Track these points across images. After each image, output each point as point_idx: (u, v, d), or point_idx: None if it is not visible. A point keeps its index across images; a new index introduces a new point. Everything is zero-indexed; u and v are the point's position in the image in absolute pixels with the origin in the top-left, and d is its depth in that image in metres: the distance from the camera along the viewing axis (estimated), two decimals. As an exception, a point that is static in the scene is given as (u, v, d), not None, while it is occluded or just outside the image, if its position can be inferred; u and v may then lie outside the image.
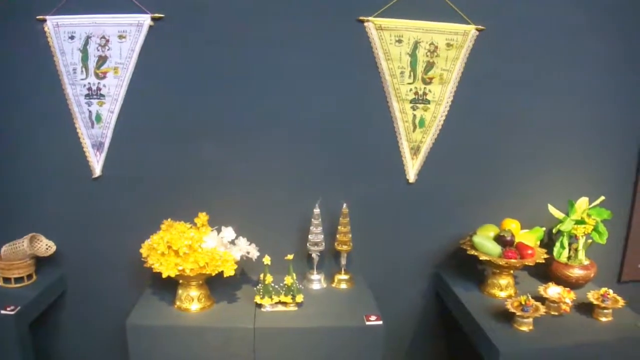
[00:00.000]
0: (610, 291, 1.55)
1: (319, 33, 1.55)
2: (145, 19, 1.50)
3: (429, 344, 1.94)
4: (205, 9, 1.51)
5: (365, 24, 1.55)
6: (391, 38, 1.57)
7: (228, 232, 1.45)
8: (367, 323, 1.41)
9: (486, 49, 1.64)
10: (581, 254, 1.73)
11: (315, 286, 1.64)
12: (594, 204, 1.75)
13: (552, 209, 1.74)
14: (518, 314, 1.42)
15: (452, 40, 1.61)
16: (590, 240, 1.74)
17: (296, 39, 1.55)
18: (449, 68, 1.63)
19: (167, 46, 1.53)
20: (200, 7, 1.51)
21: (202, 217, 1.49)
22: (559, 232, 1.74)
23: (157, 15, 1.51)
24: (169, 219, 1.49)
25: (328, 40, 1.55)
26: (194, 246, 1.30)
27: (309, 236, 1.63)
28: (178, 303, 1.43)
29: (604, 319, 1.52)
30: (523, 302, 1.45)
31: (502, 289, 1.63)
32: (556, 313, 1.52)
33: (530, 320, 1.43)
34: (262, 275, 1.48)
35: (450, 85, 1.65)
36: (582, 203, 1.75)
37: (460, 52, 1.63)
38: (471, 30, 1.61)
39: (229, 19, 1.53)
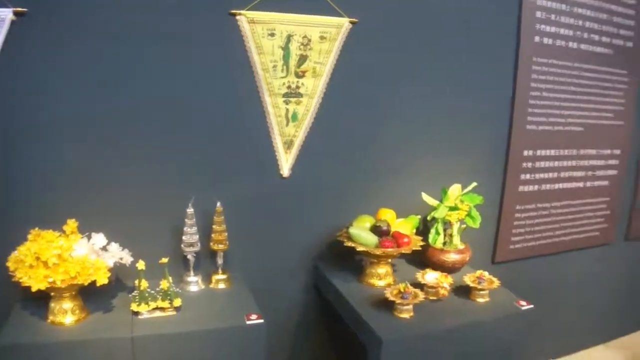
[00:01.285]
0: (486, 273, 2.09)
1: (189, 27, 1.86)
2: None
3: (312, 337, 2.40)
4: None
5: (237, 17, 1.92)
6: (264, 31, 1.96)
7: (99, 239, 1.71)
8: (248, 322, 1.70)
9: (360, 42, 2.12)
10: (456, 239, 2.31)
11: (193, 288, 1.97)
12: (466, 190, 2.33)
13: (426, 197, 2.31)
14: (398, 301, 1.83)
15: (326, 33, 2.06)
16: (464, 226, 2.32)
17: (164, 33, 1.83)
18: (322, 61, 2.09)
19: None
20: None
21: (71, 224, 1.71)
22: (434, 219, 2.30)
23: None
24: (36, 228, 1.69)
25: (198, 34, 1.87)
26: (63, 255, 1.55)
27: (183, 237, 1.94)
28: (51, 317, 1.65)
29: (481, 300, 2.03)
30: (402, 290, 1.86)
31: (381, 278, 2.11)
32: (435, 298, 1.99)
33: (410, 307, 1.85)
34: (137, 282, 1.76)
35: (323, 78, 2.10)
36: (455, 190, 2.33)
37: (334, 45, 2.09)
38: (345, 23, 2.08)
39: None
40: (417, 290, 1.90)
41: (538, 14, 2.57)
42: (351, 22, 2.08)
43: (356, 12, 2.08)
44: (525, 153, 2.69)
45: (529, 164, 2.72)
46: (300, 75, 2.07)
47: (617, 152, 3.11)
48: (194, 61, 1.90)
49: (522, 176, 2.71)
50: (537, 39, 2.59)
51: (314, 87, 2.10)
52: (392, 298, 1.84)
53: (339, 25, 2.07)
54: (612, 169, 3.12)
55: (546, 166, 2.79)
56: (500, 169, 2.65)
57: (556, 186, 2.88)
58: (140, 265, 1.74)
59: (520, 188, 2.73)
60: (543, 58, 2.63)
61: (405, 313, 1.85)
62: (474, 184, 2.35)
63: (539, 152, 2.74)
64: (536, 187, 2.79)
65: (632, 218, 3.41)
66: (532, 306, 2.02)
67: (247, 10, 1.92)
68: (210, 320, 1.76)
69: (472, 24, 2.37)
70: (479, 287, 2.02)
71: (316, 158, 2.17)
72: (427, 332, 1.81)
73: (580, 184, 2.99)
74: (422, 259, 2.32)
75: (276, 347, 2.32)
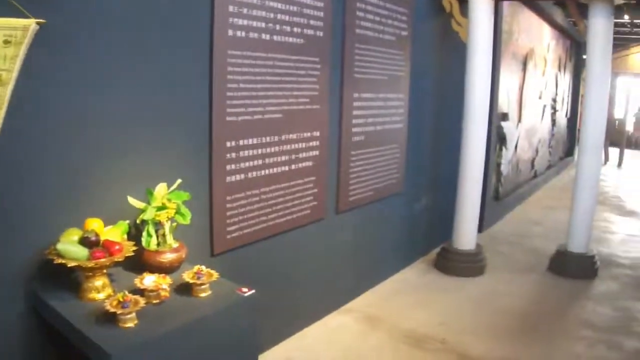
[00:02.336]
0: (203, 267, 2.57)
1: None
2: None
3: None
4: None
5: None
6: None
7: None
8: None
9: (44, 44, 2.45)
10: (169, 238, 2.79)
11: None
12: (172, 188, 2.83)
13: (132, 200, 2.74)
14: (119, 312, 2.07)
15: (11, 37, 2.35)
16: (175, 224, 2.84)
17: None
18: (9, 67, 2.38)
19: None
20: None
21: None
22: (144, 221, 2.77)
23: None
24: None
25: None
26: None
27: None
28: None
29: (203, 295, 2.42)
30: (121, 299, 2.12)
31: (99, 290, 2.41)
32: (157, 301, 2.31)
33: (133, 314, 2.11)
34: None
35: (10, 86, 2.40)
36: (161, 189, 2.82)
37: (20, 49, 2.39)
38: (31, 24, 2.39)
39: None
40: (137, 297, 2.19)
41: (231, 8, 3.23)
42: (39, 24, 2.38)
43: (44, 12, 2.37)
44: (228, 144, 3.35)
45: (233, 155, 3.40)
46: (-16, 85, 2.32)
47: (317, 133, 4.03)
48: None
49: (228, 167, 3.38)
50: (230, 32, 3.25)
51: (1, 97, 2.37)
52: (112, 309, 2.10)
53: (26, 28, 2.34)
54: (314, 150, 4.03)
55: (250, 155, 3.52)
56: (206, 163, 3.26)
57: (263, 172, 3.64)
58: None
59: (228, 179, 3.39)
60: (237, 51, 3.31)
61: (129, 322, 2.14)
62: (179, 181, 2.87)
63: (241, 142, 3.44)
64: (243, 175, 3.49)
65: (339, 193, 4.45)
66: (253, 291, 2.56)
67: None
68: None
69: (168, 21, 2.93)
70: (199, 282, 2.44)
71: (10, 172, 2.44)
72: (154, 336, 2.13)
73: (286, 168, 3.81)
74: (140, 263, 2.73)
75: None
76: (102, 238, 2.50)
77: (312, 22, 3.84)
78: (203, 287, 2.50)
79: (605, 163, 16.04)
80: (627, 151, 16.98)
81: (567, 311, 5.13)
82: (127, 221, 2.73)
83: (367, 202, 4.90)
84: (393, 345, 4.22)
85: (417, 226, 6.01)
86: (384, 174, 5.10)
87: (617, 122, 18.42)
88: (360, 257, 4.97)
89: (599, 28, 5.64)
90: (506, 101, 8.24)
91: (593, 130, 5.79)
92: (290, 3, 3.64)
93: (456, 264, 5.85)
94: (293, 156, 3.86)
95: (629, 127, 20.46)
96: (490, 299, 5.26)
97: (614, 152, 16.43)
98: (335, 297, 4.69)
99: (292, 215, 3.95)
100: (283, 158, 3.78)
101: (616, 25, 18.59)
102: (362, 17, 4.47)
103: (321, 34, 3.94)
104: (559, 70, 12.31)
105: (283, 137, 3.74)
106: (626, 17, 16.06)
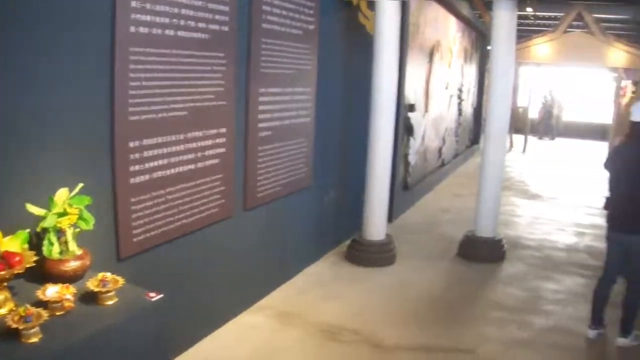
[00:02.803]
0: (108, 274, 2.55)
1: None
2: None
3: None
4: None
5: None
6: None
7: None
8: None
9: None
10: (72, 246, 2.72)
11: None
12: (73, 193, 2.77)
13: (31, 208, 2.66)
14: (21, 327, 2.04)
15: None
16: (78, 230, 2.78)
17: None
18: None
19: None
20: None
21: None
22: (44, 229, 2.70)
23: None
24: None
25: None
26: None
27: None
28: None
29: (109, 303, 2.43)
30: (23, 314, 2.07)
31: (1, 306, 2.30)
32: (62, 312, 2.28)
33: (37, 329, 2.08)
34: None
35: None
36: (61, 195, 2.75)
37: None
38: None
39: None
40: (40, 310, 2.15)
41: (133, 3, 3.18)
42: None
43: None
44: (132, 144, 3.31)
45: (137, 155, 3.35)
46: None
47: (223, 130, 4.04)
48: None
49: (132, 168, 3.33)
50: (133, 29, 3.20)
51: None
52: (14, 325, 2.06)
53: None
54: (220, 147, 4.03)
55: (155, 154, 3.48)
56: (108, 164, 3.21)
57: (168, 172, 3.61)
58: None
59: (132, 180, 3.34)
60: (140, 47, 3.26)
61: (33, 337, 2.09)
62: (80, 185, 2.81)
63: (145, 142, 3.39)
64: (148, 176, 3.45)
65: (247, 190, 4.47)
66: (161, 295, 2.56)
67: None
68: None
69: (67, 17, 2.86)
70: (104, 290, 2.43)
71: None
72: (59, 349, 2.11)
73: (192, 166, 3.80)
74: (43, 274, 2.64)
75: None
76: (1, 249, 2.42)
77: (217, 17, 3.84)
78: (109, 294, 2.47)
79: (510, 150, 16.79)
80: (530, 138, 17.87)
81: (478, 294, 5.40)
82: (27, 230, 2.63)
83: (276, 197, 4.96)
84: (308, 340, 4.32)
85: (327, 219, 6.13)
86: (292, 169, 5.17)
87: (521, 110, 19.28)
88: (271, 253, 5.03)
89: (503, 20, 5.96)
90: (413, 92, 8.49)
91: (497, 118, 6.11)
92: (194, -2, 3.62)
93: (367, 255, 6.02)
94: (199, 154, 3.85)
95: (534, 115, 21.60)
96: (402, 288, 5.45)
97: (518, 139, 17.22)
98: (247, 294, 4.74)
99: (200, 214, 3.95)
100: (189, 156, 3.76)
101: (520, 17, 19.43)
102: (269, 11, 4.50)
103: (227, 28, 3.95)
104: (465, 61, 12.77)
105: (189, 135, 3.73)
106: (529, 9, 16.85)
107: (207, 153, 3.91)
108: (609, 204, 4.43)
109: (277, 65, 4.69)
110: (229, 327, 4.42)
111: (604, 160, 4.57)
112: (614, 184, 4.39)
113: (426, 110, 9.41)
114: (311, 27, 5.16)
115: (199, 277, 4.05)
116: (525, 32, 17.65)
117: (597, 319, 4.57)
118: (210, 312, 4.23)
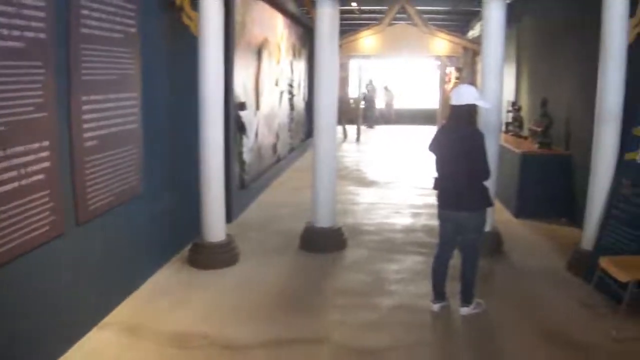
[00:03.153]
0: None
1: None
2: None
3: None
4: None
5: None
6: None
7: None
8: None
9: None
10: None
11: None
12: None
13: None
14: None
15: None
16: None
17: None
18: None
19: None
20: None
21: None
22: None
23: None
24: None
25: None
26: None
27: None
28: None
29: None
30: None
31: None
32: None
33: None
34: None
35: None
36: None
37: None
38: None
39: None
40: None
41: None
42: None
43: None
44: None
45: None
46: None
47: (46, 143, 3.88)
48: None
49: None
50: None
51: None
52: None
53: None
54: (45, 162, 3.88)
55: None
56: None
57: (-11, 193, 3.42)
58: None
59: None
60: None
61: None
62: None
63: (-44, 162, 3.20)
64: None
65: (78, 203, 4.33)
66: None
67: None
68: None
69: None
70: None
71: None
72: None
73: (16, 184, 3.61)
74: None
75: None
76: None
77: (33, 23, 3.68)
78: None
79: (344, 140, 17.49)
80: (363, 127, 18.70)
81: (323, 284, 5.65)
82: None
83: (110, 208, 4.86)
84: (158, 351, 4.30)
85: (165, 225, 6.09)
86: (123, 177, 5.08)
87: (352, 101, 20.10)
88: (112, 266, 4.92)
89: (326, 15, 6.23)
90: (243, 90, 8.61)
91: (325, 110, 6.40)
92: (6, 4, 3.44)
93: (209, 257, 6.07)
94: (22, 171, 3.66)
95: (379, 105, 22.74)
96: (248, 286, 5.58)
97: (352, 129, 17.96)
98: (92, 312, 4.61)
99: (27, 235, 3.74)
100: (12, 174, 3.57)
101: (346, 12, 20.33)
102: (87, 15, 4.39)
103: (44, 35, 3.80)
104: (294, 57, 13.11)
105: (9, 152, 3.54)
106: (354, 4, 17.63)
107: (31, 169, 3.73)
108: (437, 184, 4.82)
109: (99, 71, 4.59)
110: (76, 350, 4.25)
111: (428, 143, 4.93)
112: (439, 165, 4.80)
113: (257, 108, 9.58)
114: (132, 30, 5.09)
115: (32, 303, 3.84)
116: (352, 26, 18.49)
117: (439, 293, 4.97)
118: (52, 337, 4.05)
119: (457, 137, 4.63)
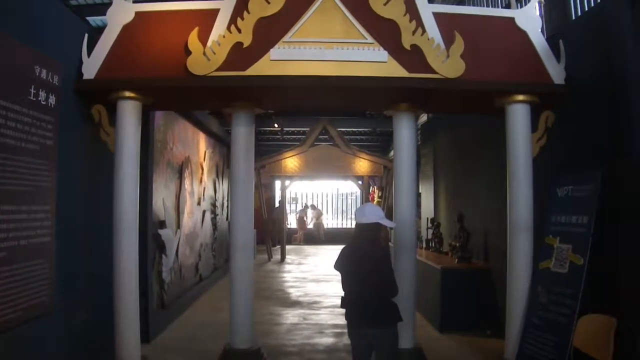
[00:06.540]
0: None
1: None
2: None
3: None
4: None
5: None
6: None
7: None
8: None
9: None
10: None
11: None
12: None
13: None
14: None
15: None
16: None
17: None
18: None
19: None
20: None
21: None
22: None
23: None
24: None
25: None
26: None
27: None
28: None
29: None
30: None
31: None
32: None
33: None
34: None
35: None
36: None
37: None
38: None
39: None
40: None
41: None
42: None
43: None
44: None
45: None
46: None
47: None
48: None
49: None
50: None
51: None
52: None
53: None
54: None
55: None
56: None
57: None
58: None
59: None
60: None
61: None
62: None
63: None
64: None
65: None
66: None
67: None
68: None
69: None
70: None
71: None
72: None
73: None
74: None
75: None
76: None
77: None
78: None
79: (269, 260, 17.48)
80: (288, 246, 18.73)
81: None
82: None
83: (16, 324, 4.65)
84: None
85: (78, 345, 5.82)
86: (32, 292, 4.92)
87: (276, 220, 20.21)
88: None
89: (241, 135, 6.40)
90: (163, 209, 8.63)
91: (241, 229, 6.44)
92: None
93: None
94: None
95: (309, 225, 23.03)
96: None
97: (276, 249, 17.98)
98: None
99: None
100: None
101: (270, 132, 20.93)
102: (3, 124, 4.43)
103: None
104: (217, 176, 13.28)
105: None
106: (276, 125, 18.22)
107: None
108: (345, 302, 4.83)
109: (12, 181, 4.59)
110: None
111: (334, 261, 4.97)
112: (346, 283, 4.82)
113: (178, 227, 9.56)
114: (49, 142, 5.15)
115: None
116: (276, 147, 18.99)
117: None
118: None
119: (363, 254, 4.71)
